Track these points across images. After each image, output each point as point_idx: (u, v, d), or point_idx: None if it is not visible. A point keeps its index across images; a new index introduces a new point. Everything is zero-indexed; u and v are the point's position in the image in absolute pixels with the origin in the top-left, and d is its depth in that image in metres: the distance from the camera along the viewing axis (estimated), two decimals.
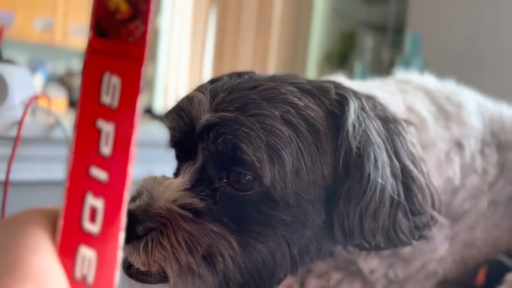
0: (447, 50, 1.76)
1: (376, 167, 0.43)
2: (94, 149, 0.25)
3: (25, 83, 0.84)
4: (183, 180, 0.44)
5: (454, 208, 0.61)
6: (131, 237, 0.40)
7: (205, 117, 0.43)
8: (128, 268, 0.42)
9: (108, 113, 0.25)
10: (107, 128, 0.25)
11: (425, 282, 0.61)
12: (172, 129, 0.49)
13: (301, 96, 0.44)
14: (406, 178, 0.46)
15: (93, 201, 0.25)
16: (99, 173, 0.25)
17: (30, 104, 0.81)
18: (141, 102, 0.25)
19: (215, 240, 0.41)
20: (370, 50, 2.36)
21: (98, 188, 0.25)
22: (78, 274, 0.24)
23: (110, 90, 0.25)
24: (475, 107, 0.64)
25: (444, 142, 0.59)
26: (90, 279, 0.24)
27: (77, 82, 4.21)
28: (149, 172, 0.96)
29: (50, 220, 0.25)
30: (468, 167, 0.61)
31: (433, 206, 0.48)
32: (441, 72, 0.71)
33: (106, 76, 0.25)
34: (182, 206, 0.42)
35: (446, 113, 0.61)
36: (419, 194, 0.46)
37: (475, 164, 0.61)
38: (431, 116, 0.60)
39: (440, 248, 0.60)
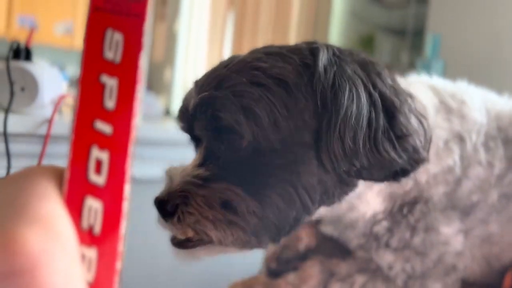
0: (468, 52, 1.74)
1: (350, 97, 0.48)
2: (98, 103, 0.25)
3: (54, 82, 0.86)
4: (194, 160, 0.51)
5: (462, 200, 0.61)
6: (167, 217, 0.49)
7: (191, 102, 0.51)
8: (175, 242, 0.51)
9: (111, 68, 0.25)
10: (110, 82, 0.25)
11: (446, 278, 0.61)
12: (180, 125, 0.56)
13: (266, 60, 0.50)
14: (387, 107, 0.49)
15: (99, 154, 0.25)
16: (103, 126, 0.25)
17: (60, 103, 0.83)
18: (144, 59, 0.26)
19: (224, 193, 0.48)
20: (389, 54, 2.35)
21: (103, 140, 0.25)
22: (85, 224, 0.25)
23: (113, 46, 0.26)
24: (480, 103, 0.64)
25: (443, 130, 0.60)
26: (97, 229, 0.25)
27: None
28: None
29: (57, 174, 0.26)
30: (471, 158, 0.61)
31: (424, 135, 0.51)
32: (462, 74, 0.70)
33: (109, 33, 0.26)
34: (193, 177, 0.49)
35: (448, 107, 0.62)
36: (402, 119, 0.49)
37: (478, 156, 0.61)
38: (432, 106, 0.61)
39: (453, 241, 0.60)
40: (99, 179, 0.25)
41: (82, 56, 0.26)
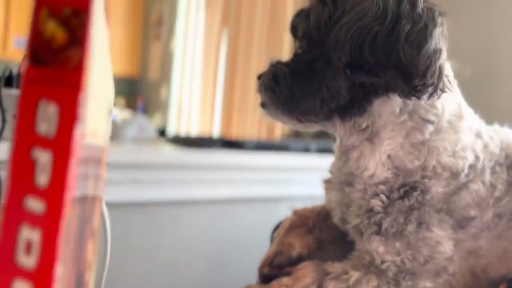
0: (461, 62, 1.75)
1: (355, 10, 0.58)
2: (29, 179, 0.24)
3: None
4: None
5: (458, 209, 0.63)
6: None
7: None
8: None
9: (44, 142, 0.24)
10: (43, 157, 0.24)
11: (437, 278, 0.63)
12: None
13: None
14: (392, 18, 0.57)
15: (29, 233, 0.24)
16: (35, 204, 0.24)
17: None
18: (79, 130, 0.25)
19: (276, 69, 0.65)
20: None
21: (34, 219, 0.24)
22: None
23: (47, 119, 0.24)
24: (498, 139, 0.69)
25: (467, 139, 0.64)
26: None
27: None
28: (161, 193, 0.97)
29: None
30: (476, 176, 0.64)
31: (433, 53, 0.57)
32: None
33: (42, 104, 0.25)
34: (277, 62, 0.66)
35: (480, 133, 0.67)
36: (401, 30, 0.56)
37: (483, 176, 0.64)
38: (469, 125, 0.66)
39: (444, 243, 0.62)
40: (28, 261, 0.24)
41: (14, 129, 0.25)
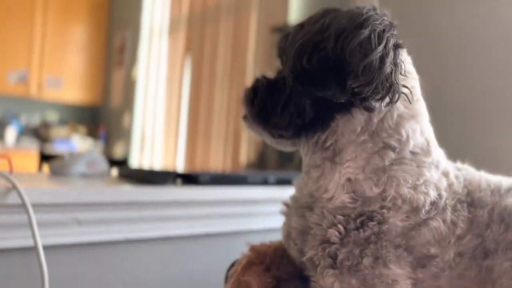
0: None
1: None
2: None
3: None
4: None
5: (417, 247, 0.62)
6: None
7: None
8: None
9: None
10: None
11: None
12: None
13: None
14: (336, 33, 0.57)
15: None
16: None
17: None
18: None
19: (256, 83, 0.68)
20: None
21: None
22: None
23: None
24: (463, 179, 0.69)
25: (430, 175, 0.63)
26: None
27: (51, 133, 4.17)
28: (109, 233, 0.92)
29: None
30: (438, 214, 0.63)
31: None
32: None
33: None
34: (262, 76, 0.68)
35: (447, 173, 0.66)
36: (343, 45, 0.56)
37: (444, 214, 0.64)
38: (439, 164, 0.66)
39: (401, 282, 0.61)
40: None
41: None
